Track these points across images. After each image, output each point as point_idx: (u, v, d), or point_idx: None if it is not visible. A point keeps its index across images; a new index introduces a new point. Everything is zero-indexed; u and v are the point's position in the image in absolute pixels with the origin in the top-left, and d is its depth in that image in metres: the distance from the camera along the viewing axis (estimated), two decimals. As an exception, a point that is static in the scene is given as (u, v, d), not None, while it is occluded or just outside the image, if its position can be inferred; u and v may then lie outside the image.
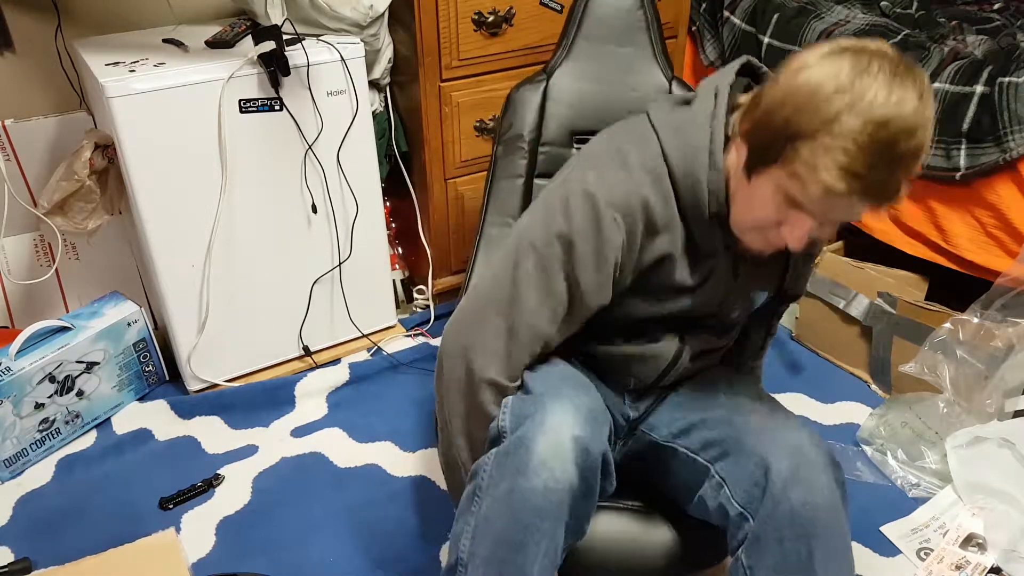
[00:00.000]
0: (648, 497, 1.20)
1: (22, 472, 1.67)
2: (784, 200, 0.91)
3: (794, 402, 1.84)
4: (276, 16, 1.71)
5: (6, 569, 1.43)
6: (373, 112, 1.89)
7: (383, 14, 1.79)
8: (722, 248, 1.05)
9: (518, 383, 1.08)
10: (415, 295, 2.19)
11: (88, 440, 1.76)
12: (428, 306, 2.13)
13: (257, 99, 1.65)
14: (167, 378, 1.92)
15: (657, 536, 1.15)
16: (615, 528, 1.16)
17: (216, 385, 1.88)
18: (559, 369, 1.12)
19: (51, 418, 1.70)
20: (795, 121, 0.85)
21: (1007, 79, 1.55)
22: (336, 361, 1.99)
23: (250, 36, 1.64)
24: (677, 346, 1.15)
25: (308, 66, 1.66)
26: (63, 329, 1.73)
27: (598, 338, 1.17)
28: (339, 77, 1.72)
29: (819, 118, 0.83)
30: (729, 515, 1.03)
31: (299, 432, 1.78)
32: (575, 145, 1.52)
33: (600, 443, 1.01)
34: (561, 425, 0.98)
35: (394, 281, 2.12)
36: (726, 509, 1.04)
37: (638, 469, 1.21)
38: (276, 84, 1.64)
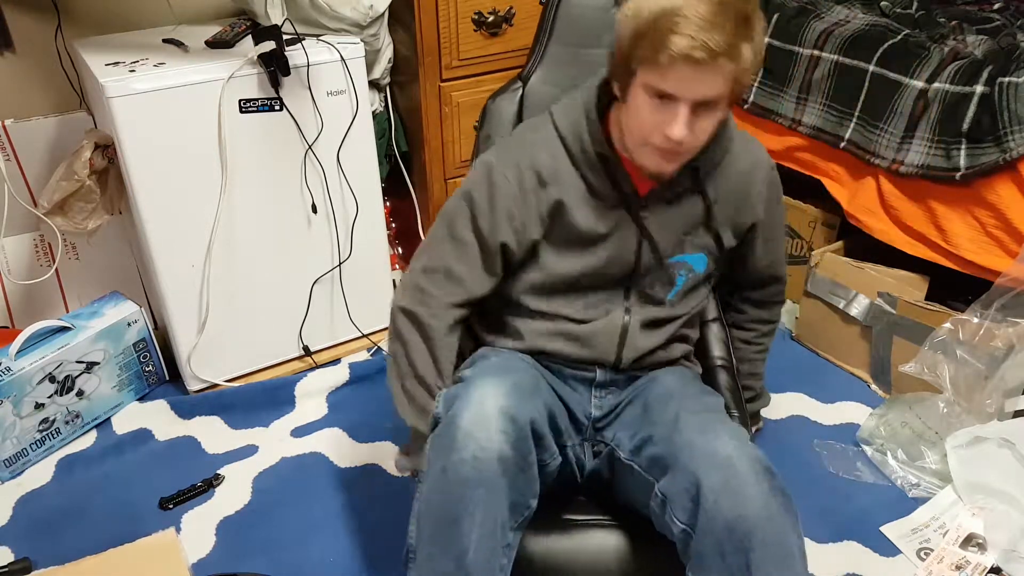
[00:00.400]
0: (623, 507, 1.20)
1: (22, 472, 1.67)
2: (653, 96, 1.04)
3: (794, 402, 1.84)
4: (276, 16, 1.71)
5: (6, 569, 1.43)
6: (373, 112, 1.89)
7: (383, 14, 1.79)
8: (625, 195, 1.18)
9: (435, 321, 1.19)
10: (415, 295, 2.19)
11: (88, 440, 1.76)
12: (428, 306, 2.13)
13: (257, 99, 1.65)
14: (167, 378, 1.92)
15: (622, 551, 1.15)
16: (583, 543, 1.17)
17: (216, 385, 1.88)
18: (495, 361, 1.17)
19: (51, 418, 1.70)
20: (633, 33, 1.03)
21: (1007, 79, 1.55)
22: (336, 361, 1.99)
23: (250, 36, 1.64)
24: (624, 318, 1.22)
25: (308, 66, 1.66)
26: (63, 329, 1.73)
27: (555, 316, 1.22)
28: (339, 77, 1.72)
29: (646, 22, 1.00)
30: (674, 532, 1.04)
31: (299, 432, 1.78)
32: None
33: (527, 413, 1.05)
34: (484, 399, 1.03)
35: (394, 281, 2.12)
36: (671, 527, 1.05)
37: (609, 483, 1.23)
38: (276, 84, 1.64)
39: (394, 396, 1.24)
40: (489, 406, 1.02)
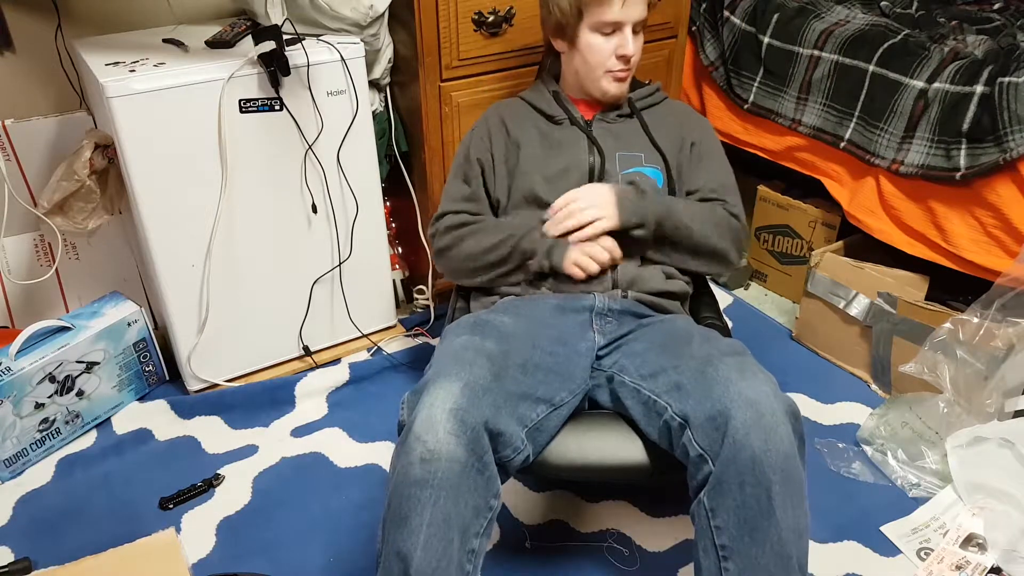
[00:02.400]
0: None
1: (22, 472, 1.67)
2: (601, 30, 1.41)
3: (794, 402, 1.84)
4: (276, 16, 1.71)
5: (6, 569, 1.43)
6: (373, 112, 1.89)
7: (383, 14, 1.79)
8: (574, 119, 1.49)
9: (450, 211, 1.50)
10: (415, 295, 2.19)
11: (88, 440, 1.76)
12: (428, 306, 2.13)
13: (257, 99, 1.65)
14: (167, 378, 1.93)
15: (624, 428, 1.26)
16: (591, 424, 1.28)
17: (216, 385, 1.88)
18: (461, 342, 1.19)
19: (51, 418, 1.70)
20: None
21: (1007, 79, 1.55)
22: (336, 361, 1.99)
23: (250, 36, 1.64)
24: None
25: (308, 66, 1.66)
26: (63, 329, 1.73)
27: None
28: (339, 77, 1.72)
29: None
30: (690, 455, 1.10)
31: (299, 432, 1.78)
32: None
33: (479, 413, 1.06)
34: (435, 401, 1.06)
35: (394, 281, 2.12)
36: (687, 449, 1.10)
37: (614, 408, 1.31)
38: (276, 84, 1.64)
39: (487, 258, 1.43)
40: (438, 409, 1.05)
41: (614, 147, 1.47)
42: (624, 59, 1.42)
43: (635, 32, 1.43)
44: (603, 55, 1.42)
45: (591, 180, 1.44)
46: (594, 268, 1.35)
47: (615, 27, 1.40)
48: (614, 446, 1.24)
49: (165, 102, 1.56)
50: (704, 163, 1.51)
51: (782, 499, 1.03)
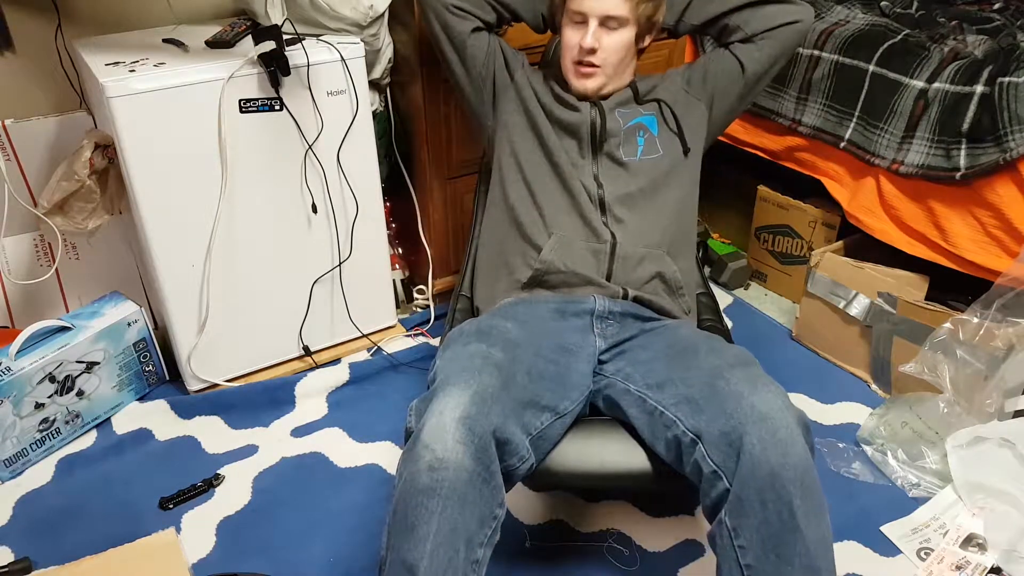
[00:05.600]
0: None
1: (22, 472, 1.67)
2: (573, 21, 1.43)
3: (794, 402, 1.84)
4: (276, 16, 1.71)
5: (6, 569, 1.43)
6: (373, 112, 1.89)
7: (383, 14, 1.79)
8: (577, 94, 1.48)
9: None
10: (415, 295, 2.19)
11: (88, 440, 1.76)
12: (428, 306, 2.13)
13: (257, 99, 1.65)
14: (167, 378, 1.93)
15: (623, 435, 1.26)
16: (590, 432, 1.27)
17: (216, 385, 1.88)
18: (469, 350, 1.18)
19: (51, 418, 1.70)
20: None
21: (1007, 79, 1.55)
22: (336, 361, 1.99)
23: (250, 36, 1.64)
24: (598, 191, 1.42)
25: (308, 66, 1.66)
26: (63, 329, 1.73)
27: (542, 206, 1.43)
28: (339, 77, 1.72)
29: None
30: (703, 472, 1.09)
31: (299, 432, 1.78)
32: None
33: (488, 421, 1.06)
34: (444, 409, 1.05)
35: (394, 281, 2.12)
36: (700, 466, 1.09)
37: (613, 414, 1.30)
38: (276, 84, 1.64)
39: None
40: (448, 417, 1.04)
41: (613, 106, 1.49)
42: (583, 50, 1.42)
43: (608, 28, 1.41)
44: (570, 43, 1.44)
45: (592, 136, 1.45)
46: None
47: (583, 18, 1.41)
48: (615, 453, 1.23)
49: (165, 102, 1.56)
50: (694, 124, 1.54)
51: (804, 512, 1.01)
